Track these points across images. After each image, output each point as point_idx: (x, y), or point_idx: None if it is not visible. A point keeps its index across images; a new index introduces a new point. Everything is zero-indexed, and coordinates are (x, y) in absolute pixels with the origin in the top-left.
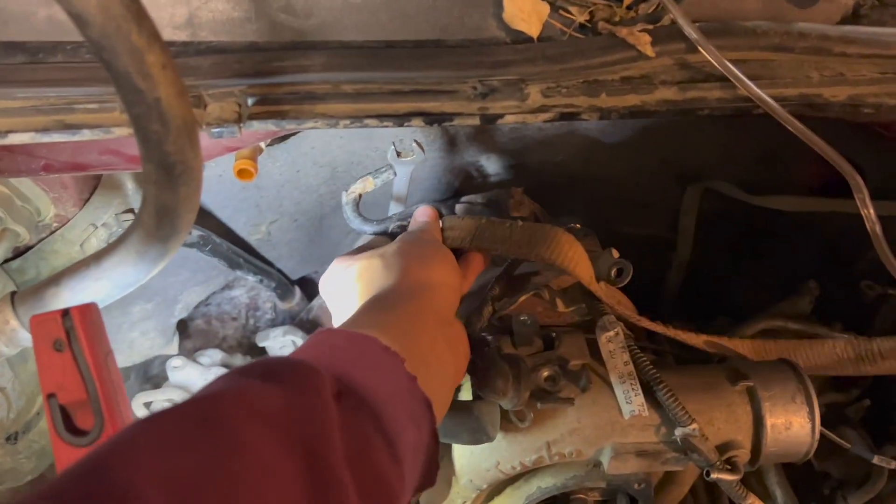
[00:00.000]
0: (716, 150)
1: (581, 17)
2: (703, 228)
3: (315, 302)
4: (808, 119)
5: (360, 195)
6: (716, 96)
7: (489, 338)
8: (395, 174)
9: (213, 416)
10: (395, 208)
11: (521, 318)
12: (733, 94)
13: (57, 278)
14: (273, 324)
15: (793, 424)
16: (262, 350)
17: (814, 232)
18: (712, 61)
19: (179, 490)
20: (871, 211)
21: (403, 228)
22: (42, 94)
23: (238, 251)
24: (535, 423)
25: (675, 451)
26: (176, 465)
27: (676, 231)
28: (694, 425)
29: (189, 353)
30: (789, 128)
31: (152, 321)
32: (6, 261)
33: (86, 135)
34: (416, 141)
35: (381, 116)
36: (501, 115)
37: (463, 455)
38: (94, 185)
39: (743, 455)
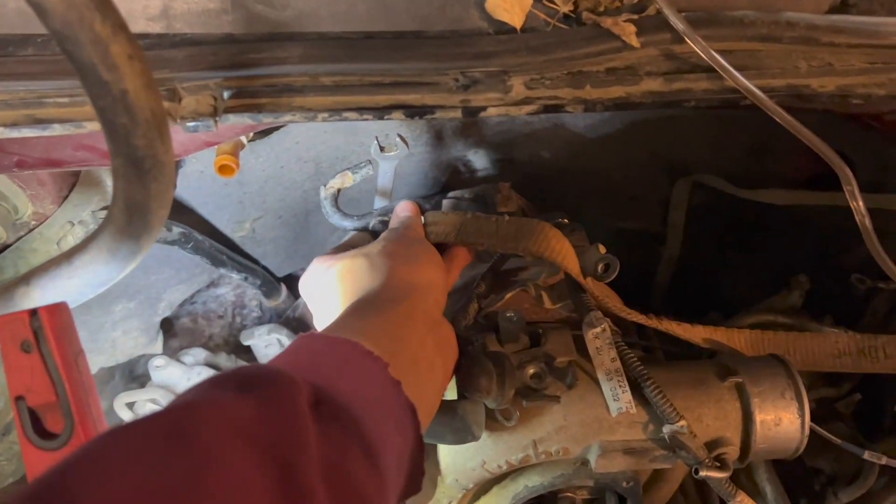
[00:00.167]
0: (705, 144)
1: (565, 8)
2: (692, 222)
3: (301, 300)
4: (799, 112)
5: (339, 190)
6: (702, 87)
7: (473, 337)
8: (373, 170)
9: (184, 430)
10: (379, 204)
11: (507, 315)
12: (720, 85)
13: (27, 277)
14: (260, 322)
15: (782, 420)
16: (248, 349)
17: (804, 225)
18: (699, 52)
19: None
20: (861, 203)
21: (385, 224)
22: (11, 89)
23: (221, 248)
24: (522, 422)
25: (664, 449)
26: (143, 482)
27: (666, 225)
28: (682, 422)
29: (175, 352)
30: (777, 119)
31: (135, 320)
32: None
33: (56, 129)
34: (399, 135)
35: (360, 109)
36: (484, 108)
37: (448, 454)
38: (72, 182)
39: (732, 452)
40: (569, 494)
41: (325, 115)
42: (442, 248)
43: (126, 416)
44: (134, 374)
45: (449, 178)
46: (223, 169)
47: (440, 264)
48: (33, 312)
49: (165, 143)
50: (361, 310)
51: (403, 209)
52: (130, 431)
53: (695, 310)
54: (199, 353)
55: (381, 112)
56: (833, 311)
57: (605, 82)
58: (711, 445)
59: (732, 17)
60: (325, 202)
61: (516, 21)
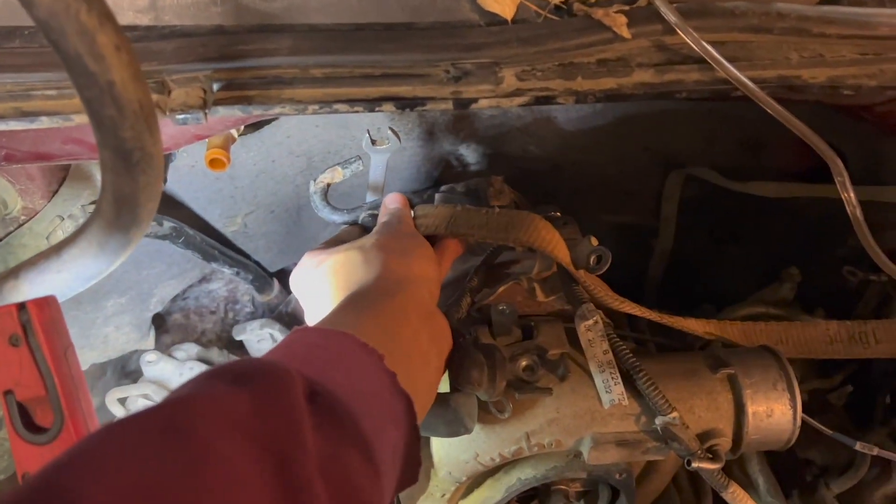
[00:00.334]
0: (698, 137)
1: None
2: (685, 215)
3: (294, 295)
4: (790, 103)
5: (329, 184)
6: (693, 79)
7: (464, 331)
8: (363, 165)
9: (180, 424)
10: (371, 199)
11: (500, 308)
12: (711, 76)
13: (16, 271)
14: (253, 317)
15: (774, 412)
16: (240, 344)
17: (796, 218)
18: (690, 43)
19: None
20: (852, 195)
21: (374, 217)
22: None
23: (213, 243)
24: (514, 414)
25: (656, 441)
26: (139, 477)
27: (658, 218)
28: (674, 414)
29: (167, 347)
30: (768, 110)
31: (127, 315)
32: None
33: (44, 122)
34: (391, 128)
35: (351, 101)
36: (475, 100)
37: (442, 447)
38: (62, 176)
39: (724, 443)
40: (562, 487)
41: (316, 107)
42: (433, 239)
43: (118, 411)
44: (126, 370)
45: (441, 172)
46: (214, 163)
47: (433, 257)
48: (22, 306)
49: (154, 134)
50: (356, 303)
51: (392, 201)
52: (126, 427)
53: (687, 302)
54: (192, 349)
55: (371, 104)
56: (825, 304)
57: (597, 74)
58: (703, 437)
59: (724, 7)
60: (314, 196)
61: (507, 12)
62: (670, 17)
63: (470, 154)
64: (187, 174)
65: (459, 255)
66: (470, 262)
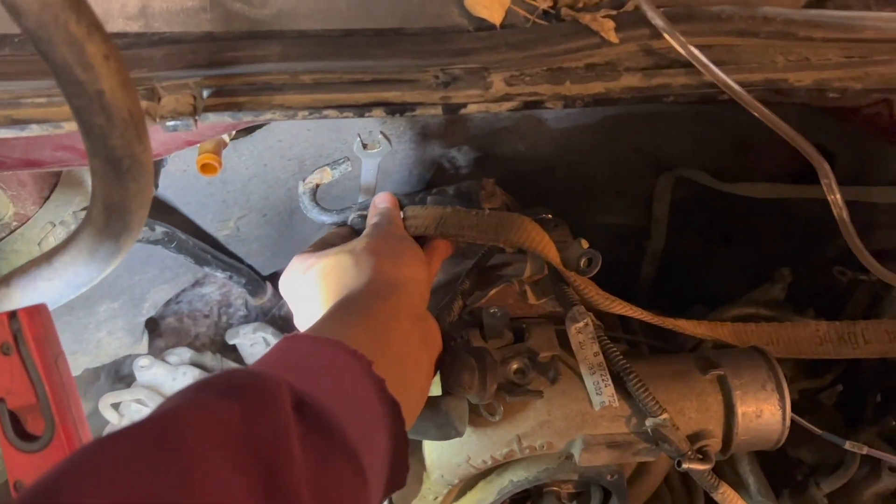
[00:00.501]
0: (688, 138)
1: (544, 4)
2: (676, 217)
3: None
4: (778, 106)
5: (318, 185)
6: (681, 82)
7: (456, 334)
8: (353, 167)
9: (168, 438)
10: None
11: (491, 311)
12: (698, 80)
13: (7, 279)
14: (246, 320)
15: (763, 412)
16: (234, 347)
17: (786, 218)
18: (677, 47)
19: None
20: (838, 196)
21: (363, 218)
22: None
23: (205, 247)
24: (505, 417)
25: (647, 442)
26: (131, 490)
27: (650, 220)
28: (664, 415)
29: (161, 351)
30: (755, 113)
31: (119, 320)
32: None
33: (34, 130)
34: (382, 132)
35: (340, 107)
36: (464, 105)
37: (434, 450)
38: (53, 182)
39: (714, 444)
40: (554, 488)
41: (305, 112)
42: (422, 240)
43: (111, 416)
44: (120, 375)
45: (433, 174)
46: (205, 168)
47: (423, 260)
48: (12, 314)
49: (143, 143)
50: (345, 308)
51: (382, 200)
52: (117, 440)
53: (680, 303)
54: (185, 353)
55: (361, 109)
56: (816, 303)
57: (585, 78)
58: (694, 438)
59: (710, 12)
60: (303, 197)
61: (496, 17)
62: (657, 21)
63: (461, 156)
64: (179, 179)
65: (449, 255)
66: (461, 264)
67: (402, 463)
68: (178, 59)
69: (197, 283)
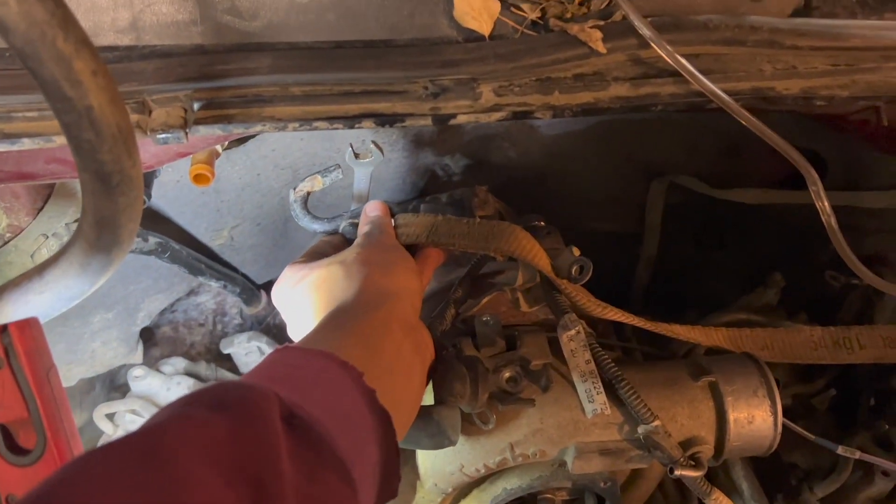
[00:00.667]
0: (680, 145)
1: (533, 15)
2: (668, 223)
3: None
4: (766, 113)
5: (309, 193)
6: (669, 92)
7: (449, 343)
8: (344, 175)
9: (157, 452)
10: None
11: (483, 319)
12: (686, 89)
13: None
14: (241, 329)
15: (755, 418)
16: (228, 357)
17: (778, 224)
18: (664, 57)
19: None
20: (826, 203)
21: (355, 226)
22: None
23: (199, 257)
24: (498, 425)
25: (639, 449)
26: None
27: (643, 226)
28: (656, 422)
29: (156, 360)
30: (742, 122)
31: (114, 330)
32: None
33: (26, 144)
34: (373, 142)
35: (330, 119)
36: (454, 115)
37: (427, 459)
38: (47, 193)
39: (706, 450)
40: (548, 496)
41: (296, 124)
42: (413, 248)
43: (106, 427)
44: (115, 385)
45: (426, 182)
46: (198, 178)
47: (414, 269)
48: (3, 328)
49: (133, 157)
50: (337, 320)
51: (373, 209)
52: (105, 454)
53: (674, 309)
54: (179, 363)
55: (351, 121)
56: (809, 308)
57: (573, 88)
58: (686, 444)
59: (697, 21)
60: (294, 205)
61: (484, 29)
62: (645, 31)
63: (454, 164)
64: (173, 189)
65: (441, 264)
66: (454, 272)
67: (394, 473)
68: (169, 72)
69: (192, 293)
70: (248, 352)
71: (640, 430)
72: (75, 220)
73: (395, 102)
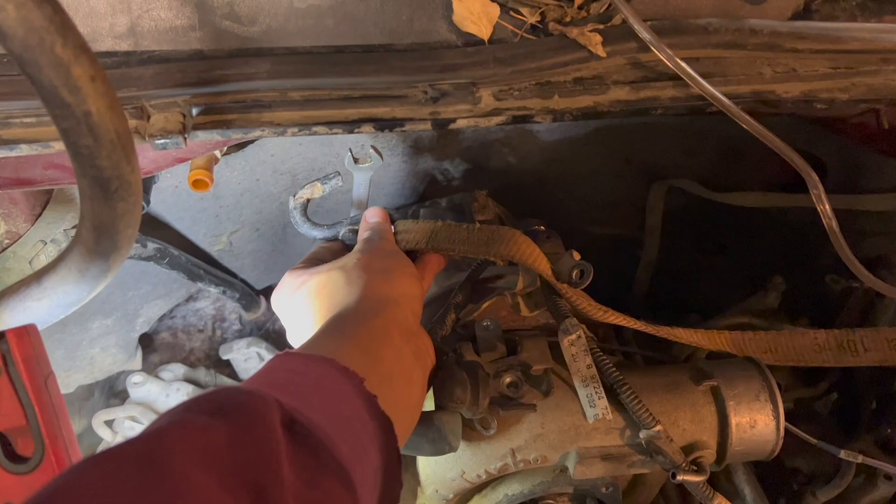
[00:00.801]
0: (679, 149)
1: (532, 19)
2: (669, 226)
3: None
4: (766, 116)
5: (308, 200)
6: (669, 95)
7: (449, 348)
8: (344, 182)
9: (156, 458)
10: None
11: (484, 324)
12: (686, 92)
13: None
14: (240, 335)
15: (757, 423)
16: (228, 362)
17: (779, 226)
18: (664, 60)
19: None
20: (827, 206)
21: (354, 233)
22: None
23: (198, 263)
24: (499, 431)
25: (641, 454)
26: None
27: (643, 230)
28: (658, 427)
29: (155, 366)
30: (743, 125)
31: (113, 337)
32: None
33: (23, 150)
34: (373, 147)
35: (330, 123)
36: (453, 120)
37: (428, 465)
38: (45, 199)
39: (709, 455)
40: (549, 501)
41: (295, 129)
42: (414, 254)
43: (105, 433)
44: (114, 391)
45: (426, 187)
46: (197, 184)
47: (415, 275)
48: (1, 336)
49: (131, 163)
50: (338, 325)
51: (373, 215)
52: (104, 461)
53: (675, 312)
54: (178, 369)
55: (350, 126)
56: (809, 311)
57: (573, 92)
58: (688, 449)
59: (697, 24)
60: (294, 212)
61: (484, 33)
62: (644, 34)
63: (454, 168)
64: (171, 195)
65: (441, 269)
66: (454, 277)
67: (395, 480)
68: (168, 77)
69: (191, 298)
70: (248, 358)
71: (642, 434)
72: (74, 226)
73: (395, 107)
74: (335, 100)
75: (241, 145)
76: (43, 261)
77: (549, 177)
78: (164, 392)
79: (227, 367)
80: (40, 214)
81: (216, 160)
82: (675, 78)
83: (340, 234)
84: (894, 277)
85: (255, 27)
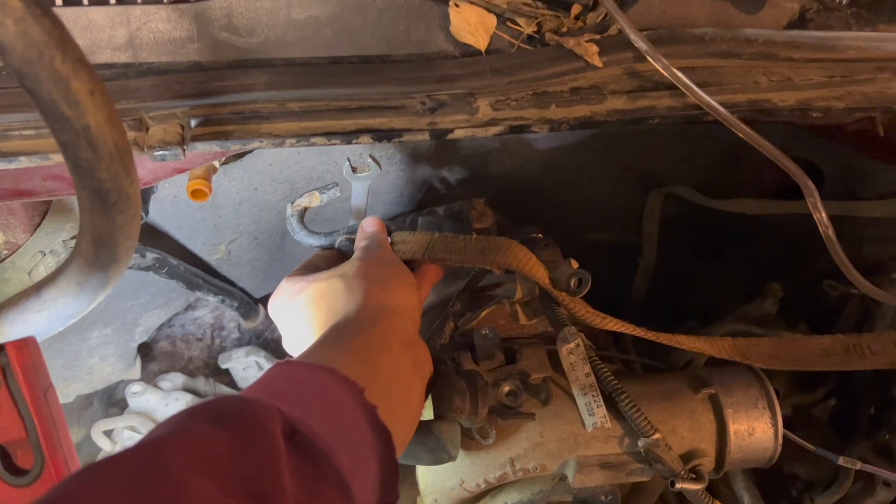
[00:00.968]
0: (677, 156)
1: (529, 29)
2: (666, 233)
3: None
4: (762, 125)
5: (306, 208)
6: (665, 104)
7: (448, 356)
8: (342, 191)
9: (157, 465)
10: (353, 223)
11: (482, 333)
12: (683, 101)
13: None
14: (239, 343)
15: (756, 430)
16: (227, 371)
17: (776, 233)
18: (661, 70)
19: None
20: (823, 214)
21: (351, 241)
22: None
23: (196, 272)
24: (498, 440)
25: (640, 462)
26: None
27: (641, 236)
28: (657, 435)
29: (154, 375)
30: (739, 134)
31: (112, 346)
32: None
33: (23, 162)
34: (371, 156)
35: (328, 134)
36: (451, 130)
37: (427, 474)
38: (44, 210)
39: (707, 463)
40: None
41: (293, 140)
42: (412, 264)
43: (104, 443)
44: (113, 400)
45: (424, 195)
46: (196, 193)
47: (413, 284)
48: (1, 348)
49: (130, 175)
50: (337, 334)
51: (370, 224)
52: (104, 469)
53: (673, 318)
54: (177, 378)
55: (348, 137)
56: (807, 317)
57: (570, 102)
58: (686, 457)
59: (693, 34)
60: (291, 220)
61: (481, 43)
62: (641, 44)
63: (453, 176)
64: (170, 204)
65: (439, 279)
66: (453, 285)
67: (392, 490)
68: (166, 89)
69: (190, 307)
70: (247, 366)
71: (641, 443)
72: (72, 237)
73: (393, 118)
74: (333, 111)
75: (239, 155)
76: (42, 271)
77: (546, 184)
78: (164, 402)
79: (226, 376)
80: (39, 225)
81: (215, 170)
82: (671, 87)
83: (337, 242)
84: (891, 283)
85: (254, 38)
